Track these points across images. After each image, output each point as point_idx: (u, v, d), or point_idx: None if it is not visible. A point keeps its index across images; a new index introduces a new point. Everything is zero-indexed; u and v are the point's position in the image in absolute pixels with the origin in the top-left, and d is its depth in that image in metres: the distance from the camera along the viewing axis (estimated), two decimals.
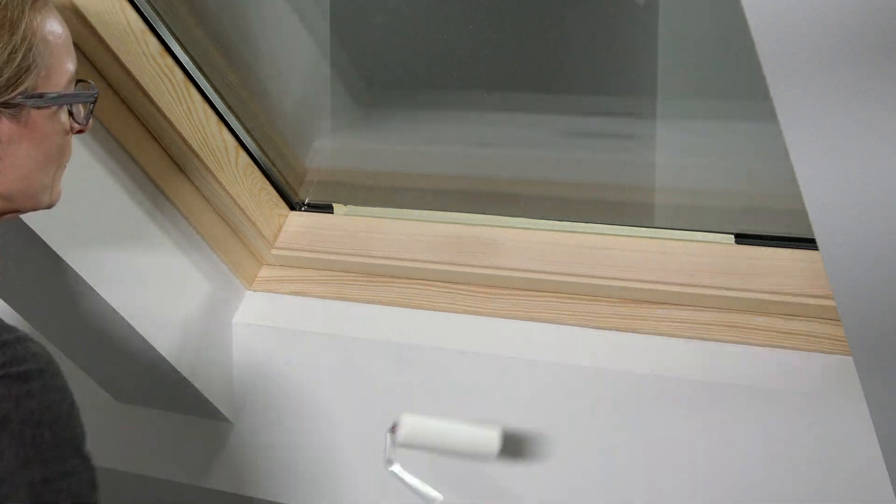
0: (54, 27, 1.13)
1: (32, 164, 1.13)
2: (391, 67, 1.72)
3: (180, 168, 1.59)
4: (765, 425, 1.38)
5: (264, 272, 1.76)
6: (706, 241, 1.48)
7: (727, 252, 1.46)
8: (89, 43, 1.43)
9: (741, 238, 1.45)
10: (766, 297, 1.40)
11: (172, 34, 1.52)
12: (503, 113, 1.62)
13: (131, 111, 1.52)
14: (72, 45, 1.16)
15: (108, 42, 1.43)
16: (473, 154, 1.67)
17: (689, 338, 1.44)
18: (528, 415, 1.53)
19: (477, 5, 1.57)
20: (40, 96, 1.10)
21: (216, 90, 1.59)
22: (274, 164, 1.70)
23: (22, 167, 1.12)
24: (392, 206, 1.72)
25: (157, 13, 1.49)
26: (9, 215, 1.16)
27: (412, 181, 1.76)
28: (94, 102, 1.18)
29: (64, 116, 1.15)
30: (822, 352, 1.37)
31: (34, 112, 1.10)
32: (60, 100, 1.12)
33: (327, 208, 1.74)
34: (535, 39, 1.53)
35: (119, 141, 1.52)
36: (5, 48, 1.07)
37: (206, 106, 1.58)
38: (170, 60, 1.52)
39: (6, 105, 1.08)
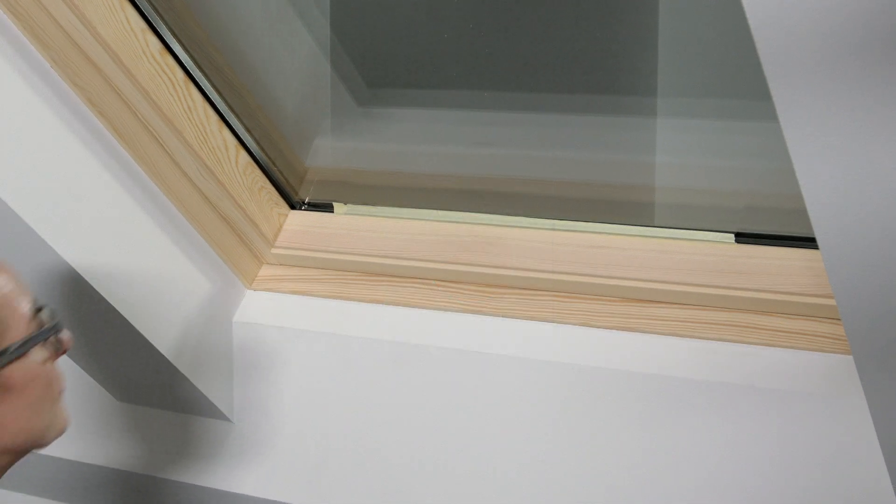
0: None
1: (26, 416, 1.10)
2: (391, 67, 1.72)
3: (180, 167, 1.59)
4: (764, 425, 1.38)
5: (264, 271, 1.76)
6: (706, 241, 1.48)
7: (727, 251, 1.46)
8: (89, 42, 1.43)
9: (741, 237, 1.45)
10: (766, 296, 1.40)
11: (173, 33, 1.52)
12: (503, 112, 1.62)
13: (131, 110, 1.52)
14: (20, 282, 1.12)
15: (108, 41, 1.43)
16: (473, 153, 1.68)
17: (690, 337, 1.44)
18: (527, 414, 1.53)
19: (477, 5, 1.57)
20: (3, 353, 1.07)
21: (216, 89, 1.59)
22: (274, 163, 1.70)
23: (17, 422, 1.09)
24: (392, 206, 1.72)
25: (158, 12, 1.50)
26: (19, 459, 1.14)
27: (412, 180, 1.76)
28: (61, 330, 1.14)
29: (39, 354, 1.11)
30: (823, 351, 1.37)
31: (6, 370, 1.07)
32: (26, 346, 1.09)
33: (327, 207, 1.74)
34: (535, 39, 1.53)
35: (119, 140, 1.52)
36: None
37: (207, 105, 1.58)
38: (170, 59, 1.52)
39: None
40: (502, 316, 1.56)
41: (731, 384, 1.40)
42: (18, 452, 1.12)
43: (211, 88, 1.58)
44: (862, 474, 1.32)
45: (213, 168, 1.59)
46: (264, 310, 1.72)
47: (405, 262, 1.62)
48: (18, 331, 1.09)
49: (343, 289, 1.68)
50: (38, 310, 1.13)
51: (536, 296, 1.55)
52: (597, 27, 1.49)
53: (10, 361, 1.08)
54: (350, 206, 1.74)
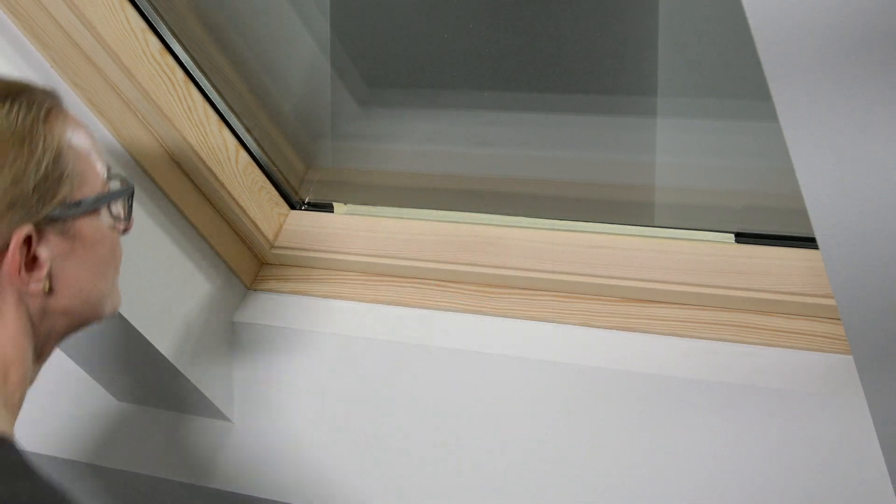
0: (75, 133, 1.11)
1: (89, 275, 1.11)
2: (391, 67, 1.72)
3: (180, 167, 1.59)
4: (764, 424, 1.38)
5: (264, 271, 1.76)
6: (706, 241, 1.48)
7: (727, 251, 1.46)
8: (89, 42, 1.43)
9: (741, 237, 1.45)
10: (766, 296, 1.40)
11: (173, 33, 1.52)
12: (503, 112, 1.62)
13: (131, 110, 1.52)
14: (97, 144, 1.14)
15: (108, 41, 1.43)
16: (473, 153, 1.67)
17: (690, 337, 1.44)
18: (527, 414, 1.53)
19: (477, 5, 1.57)
20: (78, 204, 1.09)
21: (216, 89, 1.59)
22: (274, 163, 1.70)
23: (79, 280, 1.10)
24: (392, 206, 1.72)
25: (158, 12, 1.50)
26: (79, 329, 1.15)
27: (412, 180, 1.76)
28: (132, 196, 1.16)
29: (106, 218, 1.13)
30: (822, 351, 1.37)
31: (78, 222, 1.09)
32: (99, 202, 1.11)
33: (328, 207, 1.74)
34: (535, 39, 1.53)
35: (119, 140, 1.52)
36: (28, 163, 1.05)
37: (207, 105, 1.58)
38: (170, 59, 1.52)
39: (50, 221, 1.07)
40: (502, 316, 1.56)
41: (731, 384, 1.40)
42: (75, 317, 1.12)
43: (211, 88, 1.58)
44: (862, 474, 1.32)
45: (213, 168, 1.59)
46: (264, 310, 1.72)
47: (405, 262, 1.62)
48: (93, 187, 1.11)
49: (343, 289, 1.68)
50: (111, 176, 1.15)
51: (536, 296, 1.55)
52: (597, 27, 1.49)
53: (83, 214, 1.09)
54: (350, 206, 1.74)
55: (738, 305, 1.43)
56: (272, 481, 1.72)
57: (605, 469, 1.48)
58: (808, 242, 1.38)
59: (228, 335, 1.72)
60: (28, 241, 1.06)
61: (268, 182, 1.70)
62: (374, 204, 1.73)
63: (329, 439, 1.67)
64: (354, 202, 1.74)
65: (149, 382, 1.72)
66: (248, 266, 1.74)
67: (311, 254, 1.69)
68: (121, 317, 1.53)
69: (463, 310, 1.59)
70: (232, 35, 1.66)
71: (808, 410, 1.35)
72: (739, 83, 1.41)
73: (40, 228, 1.07)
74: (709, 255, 1.46)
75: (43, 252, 1.07)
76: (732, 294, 1.42)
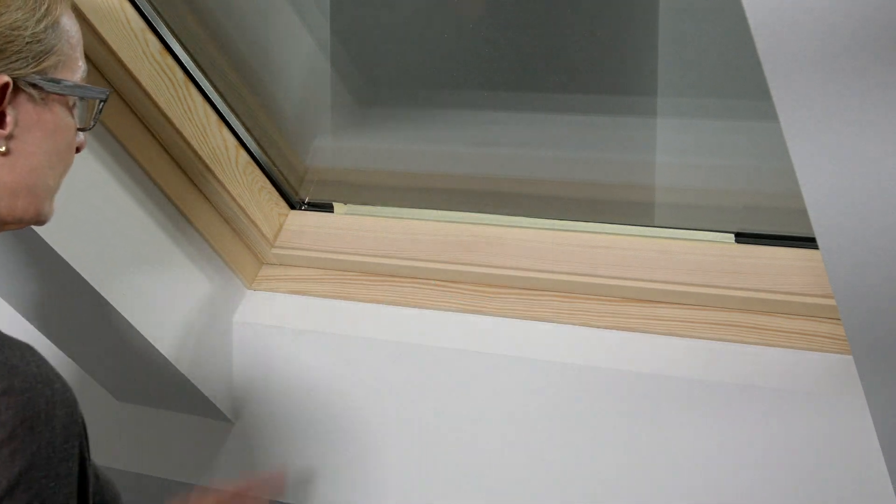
0: (71, 20, 1.13)
1: (44, 158, 1.11)
2: (391, 67, 1.71)
3: (180, 167, 1.59)
4: (765, 424, 1.38)
5: (264, 271, 1.76)
6: (706, 241, 1.48)
7: (727, 251, 1.46)
8: (89, 41, 1.42)
9: (741, 237, 1.45)
10: (766, 296, 1.40)
11: (172, 33, 1.52)
12: (503, 112, 1.62)
13: (131, 110, 1.52)
14: (82, 47, 1.16)
15: (108, 40, 1.43)
16: (473, 153, 1.67)
17: (690, 337, 1.44)
18: (527, 414, 1.53)
19: (477, 5, 1.57)
20: (58, 82, 1.10)
21: (216, 89, 1.59)
22: (274, 163, 1.70)
23: (34, 158, 1.10)
24: (392, 206, 1.72)
25: (157, 12, 1.49)
26: (7, 226, 1.13)
27: (412, 180, 1.76)
28: (104, 103, 1.17)
29: (76, 115, 1.14)
30: (823, 351, 1.37)
31: (51, 98, 1.09)
32: (77, 90, 1.12)
33: (327, 207, 1.74)
34: (535, 39, 1.53)
35: (119, 140, 1.52)
36: (28, 19, 1.07)
37: (207, 105, 1.58)
38: (170, 59, 1.52)
39: (29, 85, 1.08)
40: (502, 316, 1.56)
41: (731, 384, 1.40)
42: (14, 203, 1.10)
43: (211, 88, 1.58)
44: (862, 474, 1.32)
45: (213, 168, 1.59)
46: (264, 310, 1.72)
47: (405, 262, 1.62)
48: (73, 77, 1.12)
49: (343, 289, 1.68)
50: (84, 78, 1.16)
51: (536, 296, 1.55)
52: (597, 27, 1.49)
53: (57, 94, 1.10)
54: (350, 206, 1.74)
55: (738, 305, 1.43)
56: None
57: (605, 469, 1.48)
58: (808, 242, 1.38)
59: (228, 335, 1.72)
60: (3, 91, 1.06)
61: (268, 182, 1.69)
62: (374, 204, 1.73)
63: (328, 439, 1.67)
64: (354, 202, 1.74)
65: (149, 382, 1.72)
66: (248, 266, 1.74)
67: (311, 254, 1.69)
68: (121, 316, 1.53)
69: (463, 310, 1.59)
70: (232, 35, 1.66)
71: (808, 410, 1.35)
72: (739, 83, 1.41)
73: (17, 86, 1.07)
74: (709, 255, 1.46)
75: (10, 111, 1.07)
76: (732, 294, 1.42)
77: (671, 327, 1.45)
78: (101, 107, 1.17)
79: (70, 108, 1.13)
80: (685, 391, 1.42)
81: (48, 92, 1.09)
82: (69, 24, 1.13)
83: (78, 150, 1.18)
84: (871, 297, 1.05)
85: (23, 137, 1.09)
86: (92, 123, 1.17)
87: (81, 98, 1.14)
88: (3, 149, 1.08)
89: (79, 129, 1.16)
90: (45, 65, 1.09)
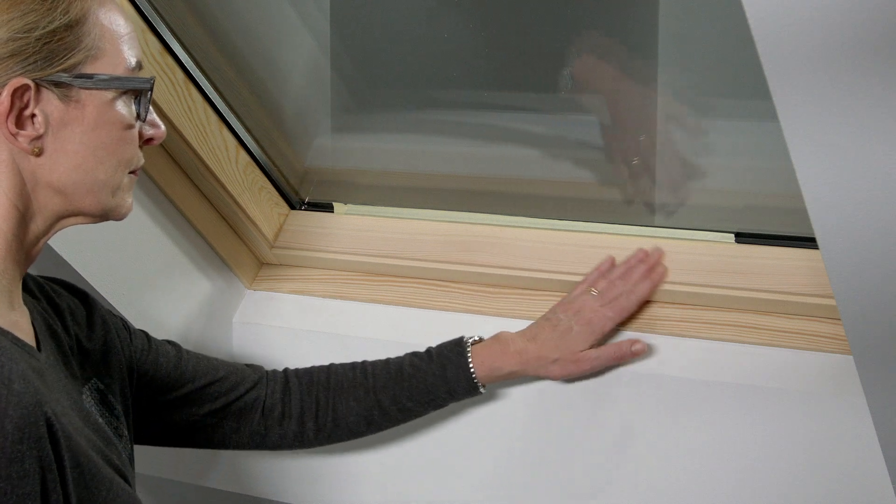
0: (110, 14, 1.12)
1: (87, 156, 1.10)
2: (391, 67, 1.71)
3: (180, 167, 1.59)
4: (765, 424, 1.38)
5: (264, 271, 1.76)
6: (706, 241, 1.48)
7: (727, 251, 1.46)
8: None
9: (741, 237, 1.46)
10: (767, 296, 1.40)
11: (172, 33, 1.52)
12: (503, 112, 1.62)
13: None
14: (135, 37, 1.14)
15: None
16: (473, 153, 1.67)
17: (690, 337, 1.44)
18: (527, 414, 1.53)
19: (476, 5, 1.57)
20: (89, 77, 1.09)
21: (216, 89, 1.59)
22: (274, 163, 1.70)
23: (76, 156, 1.09)
24: (392, 206, 1.72)
25: (157, 12, 1.50)
26: (73, 218, 1.13)
27: (412, 180, 1.76)
28: (150, 91, 1.15)
29: (123, 108, 1.12)
30: (823, 351, 1.37)
31: (84, 94, 1.09)
32: (114, 83, 1.10)
33: (327, 207, 1.74)
34: (534, 39, 1.53)
35: None
36: (42, 19, 1.06)
37: (207, 105, 1.58)
38: (170, 59, 1.52)
39: (55, 84, 1.07)
40: (502, 316, 1.56)
41: (731, 384, 1.40)
42: (69, 199, 1.11)
43: (211, 88, 1.58)
44: (862, 474, 1.32)
45: (213, 168, 1.59)
46: (264, 310, 1.72)
47: (405, 262, 1.62)
48: (113, 69, 1.11)
49: (343, 289, 1.68)
50: (138, 69, 1.14)
51: (536, 296, 1.55)
52: (597, 27, 1.49)
53: (92, 89, 1.09)
54: (350, 206, 1.74)
55: (738, 305, 1.43)
56: (272, 481, 1.72)
57: (605, 468, 1.48)
58: (808, 242, 1.38)
59: (228, 335, 1.72)
60: (23, 93, 1.06)
61: (268, 182, 1.70)
62: (374, 204, 1.73)
63: None
64: (354, 202, 1.74)
65: None
66: (248, 266, 1.74)
67: (311, 254, 1.69)
68: (120, 317, 1.53)
69: (463, 310, 1.59)
70: (232, 35, 1.66)
71: (808, 410, 1.35)
72: (739, 83, 1.41)
73: (40, 86, 1.07)
74: (709, 255, 1.46)
75: (38, 112, 1.07)
76: (732, 294, 1.42)
77: (671, 327, 1.45)
78: (149, 96, 1.15)
79: (114, 101, 1.11)
80: (685, 391, 1.42)
81: (80, 88, 1.08)
82: (107, 17, 1.11)
83: (149, 141, 1.17)
84: (871, 297, 1.05)
85: (58, 136, 1.08)
86: (143, 114, 1.15)
87: (123, 91, 1.12)
88: (37, 149, 1.08)
89: (134, 127, 1.15)
90: (70, 62, 1.08)
